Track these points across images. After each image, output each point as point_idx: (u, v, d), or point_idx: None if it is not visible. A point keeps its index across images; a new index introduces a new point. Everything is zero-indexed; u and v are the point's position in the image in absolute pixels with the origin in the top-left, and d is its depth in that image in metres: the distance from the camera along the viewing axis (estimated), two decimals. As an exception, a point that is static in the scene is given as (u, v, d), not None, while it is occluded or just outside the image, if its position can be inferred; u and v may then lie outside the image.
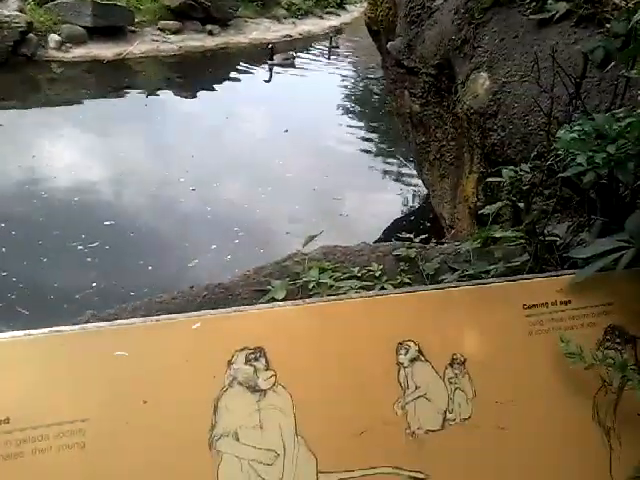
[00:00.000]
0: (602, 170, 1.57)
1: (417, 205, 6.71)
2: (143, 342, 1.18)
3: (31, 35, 10.34)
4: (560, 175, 1.72)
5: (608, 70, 2.27)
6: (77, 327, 1.19)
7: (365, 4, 8.57)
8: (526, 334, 1.37)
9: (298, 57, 12.22)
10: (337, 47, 13.12)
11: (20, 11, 10.54)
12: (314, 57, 12.68)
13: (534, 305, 1.39)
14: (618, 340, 1.43)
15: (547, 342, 1.37)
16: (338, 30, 15.49)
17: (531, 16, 3.45)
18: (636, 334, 1.44)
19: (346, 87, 11.61)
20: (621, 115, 1.66)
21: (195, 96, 10.49)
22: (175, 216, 6.21)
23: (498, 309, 1.38)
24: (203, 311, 1.27)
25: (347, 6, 16.99)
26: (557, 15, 3.29)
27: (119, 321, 1.23)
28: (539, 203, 2.19)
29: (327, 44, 12.87)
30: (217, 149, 7.96)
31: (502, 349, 1.36)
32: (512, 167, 1.92)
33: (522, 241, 1.82)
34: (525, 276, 1.54)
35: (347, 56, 13.72)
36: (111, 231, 5.62)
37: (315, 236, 2.16)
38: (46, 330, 1.15)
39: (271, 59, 11.45)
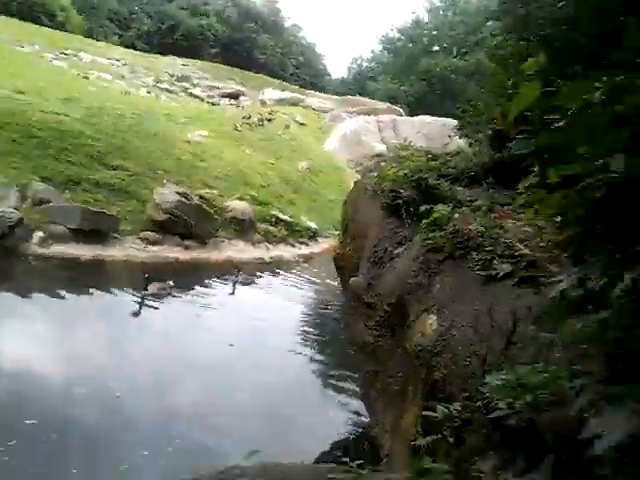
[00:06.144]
0: (524, 415, 1.75)
1: (359, 430, 6.63)
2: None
3: (18, 230, 11.08)
4: (488, 416, 1.89)
5: (540, 328, 2.57)
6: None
7: (334, 240, 9.28)
8: None
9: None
10: (249, 283, 12.80)
11: (16, 208, 11.47)
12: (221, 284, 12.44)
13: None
14: None
15: None
16: (307, 258, 16.46)
17: (479, 272, 3.89)
18: None
19: (302, 318, 11.80)
20: (540, 369, 1.89)
21: (158, 305, 10.45)
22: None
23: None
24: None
25: (319, 238, 18.27)
26: (501, 274, 3.73)
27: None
28: (473, 441, 2.32)
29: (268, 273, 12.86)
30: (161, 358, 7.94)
31: None
32: (446, 404, 2.08)
33: (449, 475, 1.90)
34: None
35: (304, 282, 14.14)
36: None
37: (255, 452, 2.20)
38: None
39: (145, 289, 10.37)
